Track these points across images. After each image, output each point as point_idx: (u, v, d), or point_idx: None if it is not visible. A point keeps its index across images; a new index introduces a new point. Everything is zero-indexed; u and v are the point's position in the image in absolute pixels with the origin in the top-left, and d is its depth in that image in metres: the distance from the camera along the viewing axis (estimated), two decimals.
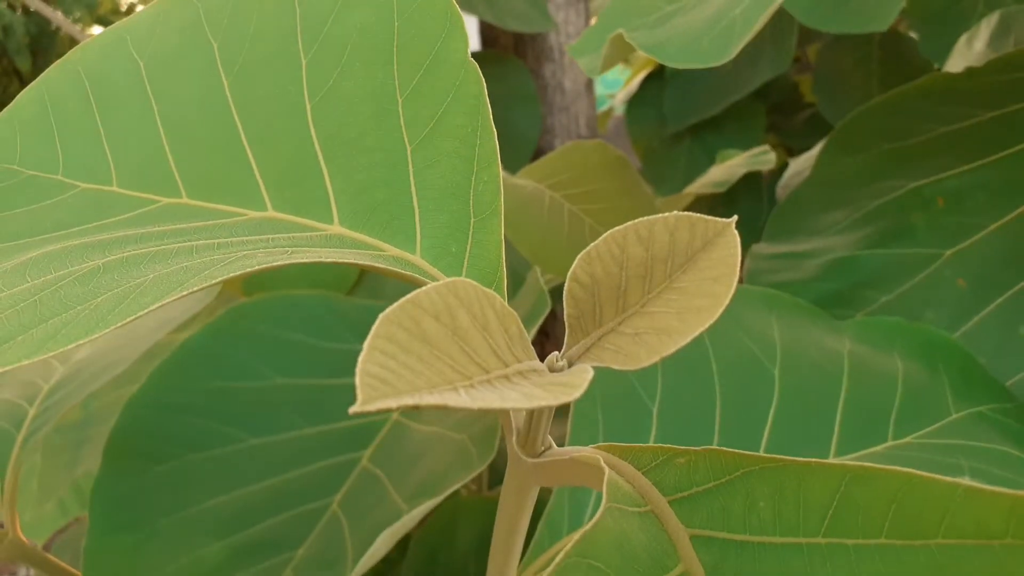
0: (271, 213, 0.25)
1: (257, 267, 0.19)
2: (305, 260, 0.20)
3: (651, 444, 0.17)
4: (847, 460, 0.37)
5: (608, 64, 0.53)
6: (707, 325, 0.15)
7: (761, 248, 0.55)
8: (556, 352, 0.18)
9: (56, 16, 0.93)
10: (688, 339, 0.15)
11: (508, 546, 0.24)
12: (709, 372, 0.40)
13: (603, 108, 1.96)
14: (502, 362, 0.15)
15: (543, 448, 0.21)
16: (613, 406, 0.39)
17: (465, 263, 0.23)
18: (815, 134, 1.22)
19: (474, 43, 1.34)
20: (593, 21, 1.38)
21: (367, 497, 0.44)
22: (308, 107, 0.26)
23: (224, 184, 0.26)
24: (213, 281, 0.18)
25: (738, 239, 0.17)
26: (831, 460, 0.16)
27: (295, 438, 0.46)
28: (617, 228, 0.18)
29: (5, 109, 0.30)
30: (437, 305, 0.14)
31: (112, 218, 0.26)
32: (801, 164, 0.82)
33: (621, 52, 0.51)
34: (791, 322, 0.43)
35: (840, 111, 1.16)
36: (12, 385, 0.50)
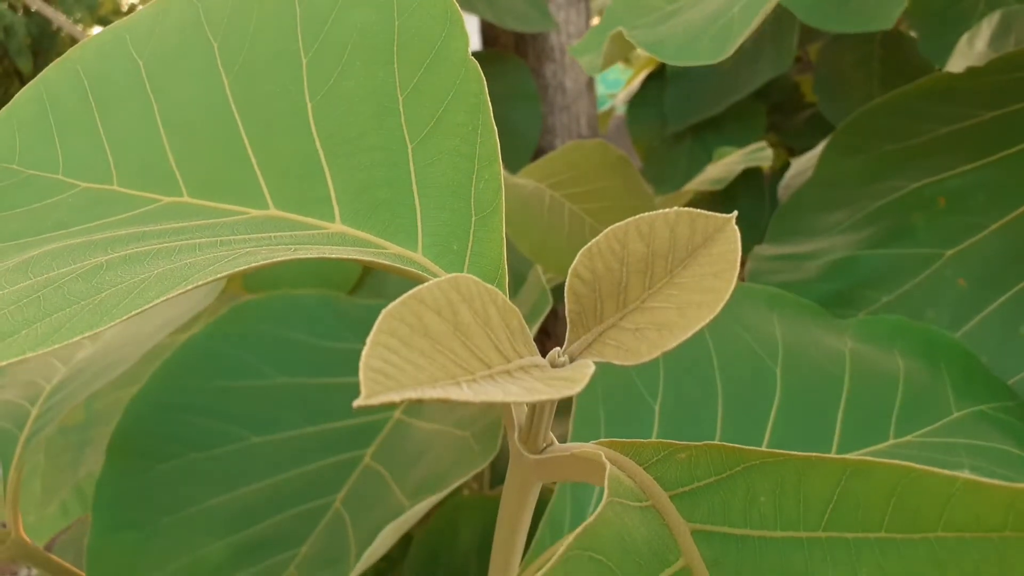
0: (273, 212, 0.25)
1: (261, 263, 0.19)
2: (309, 256, 0.21)
3: (653, 440, 0.17)
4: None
5: (608, 61, 0.53)
6: (707, 320, 0.15)
7: (763, 249, 0.55)
8: (558, 348, 0.18)
9: (57, 17, 0.93)
10: (688, 334, 0.15)
11: (510, 543, 0.24)
12: (711, 370, 0.40)
13: (604, 108, 1.96)
14: (504, 357, 0.15)
15: (545, 444, 0.21)
16: (615, 403, 0.39)
17: (467, 260, 0.23)
18: (816, 134, 1.22)
19: (475, 42, 1.34)
20: (594, 21, 1.38)
21: (370, 495, 0.44)
22: (309, 106, 0.26)
23: (225, 183, 0.26)
24: (217, 276, 0.19)
25: (738, 235, 0.17)
26: (831, 455, 0.16)
27: (297, 437, 0.46)
28: (618, 224, 0.18)
29: (3, 108, 0.30)
30: (439, 301, 0.14)
31: (113, 217, 0.26)
32: (803, 164, 0.82)
33: (621, 50, 0.52)
34: (793, 321, 0.43)
35: (841, 111, 1.16)
36: (14, 385, 0.50)
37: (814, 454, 0.16)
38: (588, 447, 0.19)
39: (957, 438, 0.39)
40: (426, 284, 0.15)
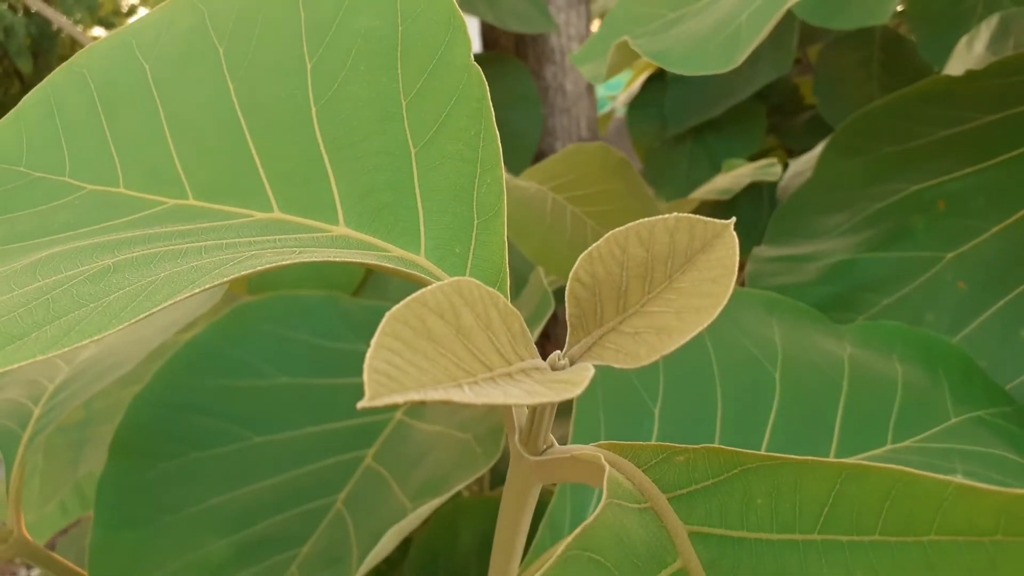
0: (277, 214, 0.26)
1: (267, 266, 0.20)
2: (313, 259, 0.21)
3: (651, 443, 0.18)
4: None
5: (613, 71, 0.53)
6: (705, 324, 0.16)
7: (762, 251, 0.55)
8: (558, 351, 0.18)
9: (58, 18, 0.93)
10: (687, 338, 0.16)
11: (510, 544, 0.25)
12: (710, 374, 0.40)
13: (604, 110, 1.96)
14: (505, 360, 0.15)
15: (545, 446, 0.21)
16: (615, 407, 0.39)
17: (469, 264, 0.23)
18: (816, 136, 1.23)
19: (475, 44, 1.34)
20: (595, 23, 1.38)
21: (371, 495, 0.44)
22: (313, 110, 0.26)
23: (230, 186, 0.26)
24: (224, 279, 0.19)
25: (736, 241, 0.17)
26: (827, 459, 0.16)
27: (299, 437, 0.47)
28: (618, 229, 0.18)
29: (10, 112, 0.30)
30: (442, 304, 0.15)
31: (119, 219, 0.26)
32: (801, 165, 0.82)
33: (626, 59, 0.52)
34: (792, 325, 0.44)
35: (841, 113, 1.16)
36: (17, 384, 0.50)
37: (810, 458, 0.16)
38: (588, 449, 0.19)
39: (955, 443, 0.39)
40: (429, 288, 0.15)
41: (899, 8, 1.07)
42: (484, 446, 0.43)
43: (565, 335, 0.19)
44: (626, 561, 0.16)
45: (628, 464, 0.18)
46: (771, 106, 1.37)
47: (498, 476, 0.67)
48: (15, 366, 0.17)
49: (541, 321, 0.47)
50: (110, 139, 0.28)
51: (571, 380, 0.15)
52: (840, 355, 0.42)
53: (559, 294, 0.64)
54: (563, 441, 0.23)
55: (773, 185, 1.04)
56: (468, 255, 0.23)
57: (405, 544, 0.61)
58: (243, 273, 0.19)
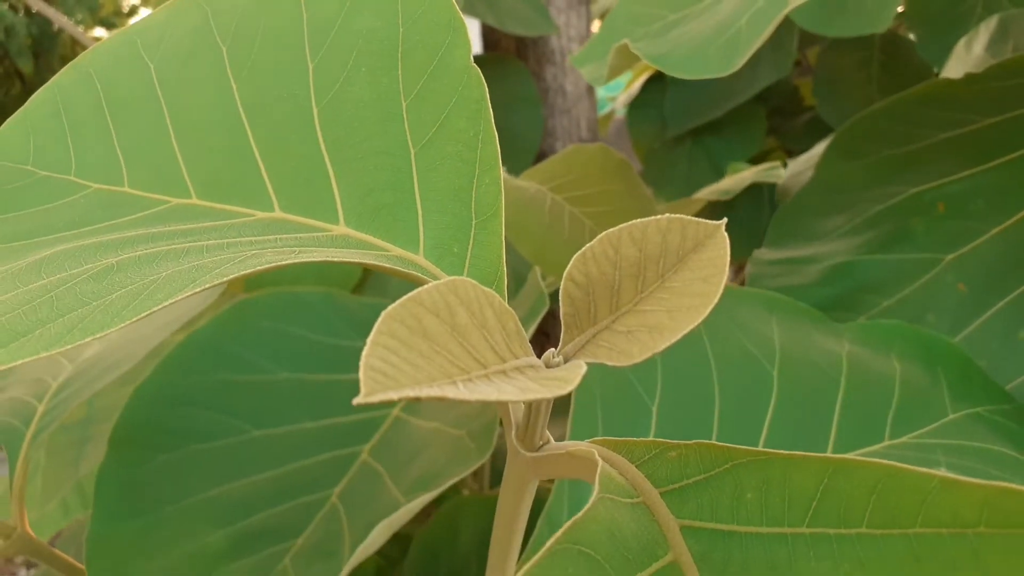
0: (279, 214, 0.26)
1: (268, 265, 0.20)
2: (313, 259, 0.21)
3: (645, 439, 0.18)
4: None
5: (614, 73, 0.53)
6: (696, 323, 0.16)
7: (762, 253, 0.56)
8: (552, 349, 0.18)
9: (59, 18, 0.93)
10: (678, 336, 0.16)
11: (507, 540, 0.25)
12: (708, 372, 0.41)
13: (604, 111, 1.96)
14: (500, 358, 0.16)
15: (541, 443, 0.21)
16: (613, 405, 0.40)
17: (467, 263, 0.23)
18: (815, 137, 1.23)
19: (476, 46, 1.35)
20: (595, 24, 1.38)
21: (366, 490, 0.45)
22: (315, 111, 0.27)
23: (233, 185, 0.27)
24: (225, 279, 0.19)
25: (727, 241, 0.17)
26: (816, 454, 0.16)
27: (297, 431, 0.47)
28: (612, 229, 0.18)
29: (18, 111, 0.31)
30: (437, 303, 0.15)
31: (124, 218, 0.27)
32: (800, 165, 0.82)
33: (626, 61, 0.52)
34: (791, 324, 0.44)
35: (840, 114, 1.16)
36: (21, 383, 0.51)
37: (799, 453, 0.16)
38: (582, 445, 0.19)
39: (952, 439, 0.39)
40: (425, 287, 0.15)
41: (899, 9, 1.07)
42: (477, 441, 0.43)
43: None
44: (617, 554, 0.16)
45: (621, 459, 0.18)
46: (771, 107, 1.37)
47: (497, 475, 0.67)
48: (19, 362, 0.17)
49: (536, 319, 0.47)
50: (115, 138, 0.28)
51: (564, 377, 0.15)
52: (839, 353, 0.42)
53: (556, 294, 0.64)
54: (562, 440, 0.23)
55: (773, 186, 1.04)
56: (466, 255, 0.23)
57: (405, 543, 0.62)
58: (244, 272, 0.20)
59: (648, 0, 0.57)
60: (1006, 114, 0.53)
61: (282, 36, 0.28)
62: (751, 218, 1.09)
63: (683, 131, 1.34)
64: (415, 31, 0.26)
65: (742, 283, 0.55)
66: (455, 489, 0.68)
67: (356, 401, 0.12)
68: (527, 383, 0.15)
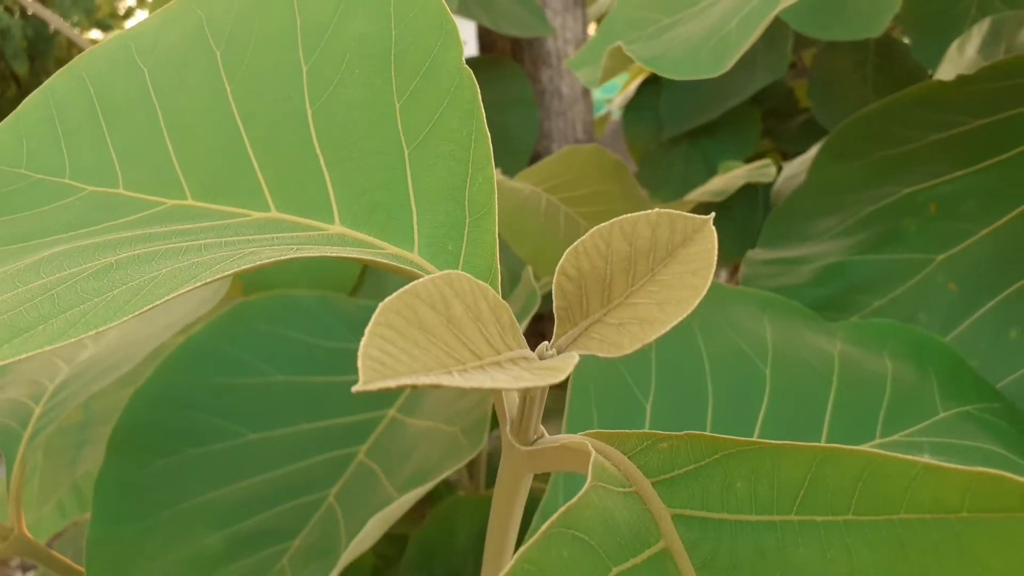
0: (274, 214, 0.26)
1: (265, 261, 0.20)
2: (311, 255, 0.21)
3: (637, 431, 0.18)
4: None
5: (608, 75, 0.54)
6: (685, 315, 0.16)
7: (756, 254, 0.56)
8: (546, 342, 0.19)
9: (55, 20, 0.93)
10: (668, 328, 0.16)
11: (503, 534, 0.25)
12: (702, 370, 0.41)
13: (600, 113, 1.97)
14: (494, 349, 0.16)
15: (535, 436, 0.22)
16: (608, 403, 0.40)
17: (461, 260, 0.24)
18: (810, 139, 1.23)
19: (472, 48, 1.35)
20: (591, 27, 1.39)
21: (363, 490, 0.45)
22: (309, 112, 0.27)
23: (228, 186, 0.27)
24: (223, 274, 0.19)
25: (715, 235, 0.18)
26: (804, 443, 0.17)
27: (294, 433, 0.47)
28: (603, 224, 0.19)
29: (11, 115, 0.31)
30: (433, 295, 0.15)
31: (120, 219, 0.27)
32: (795, 168, 0.82)
33: (620, 64, 0.52)
34: (783, 323, 0.44)
35: (835, 116, 1.17)
36: (18, 384, 0.51)
37: (787, 442, 0.17)
38: (576, 438, 0.19)
39: (942, 438, 0.39)
40: (421, 280, 0.16)
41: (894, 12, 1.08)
42: (469, 437, 0.44)
43: None
44: (610, 540, 0.16)
45: (614, 451, 0.18)
46: (766, 109, 1.38)
47: (493, 476, 0.68)
48: (24, 356, 0.18)
49: (527, 316, 0.48)
50: (109, 141, 0.29)
51: (555, 367, 0.15)
52: (831, 352, 0.42)
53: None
54: None
55: (768, 187, 1.05)
56: (460, 252, 0.24)
57: (402, 543, 0.62)
58: (243, 268, 0.20)
59: (644, 4, 0.58)
60: (997, 115, 0.54)
61: (276, 40, 0.28)
62: (746, 219, 1.09)
63: (679, 133, 1.34)
64: (407, 34, 0.26)
65: (735, 283, 0.56)
66: (451, 488, 0.68)
67: (355, 389, 0.13)
68: (521, 373, 0.15)
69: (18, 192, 0.29)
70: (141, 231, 0.26)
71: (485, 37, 1.31)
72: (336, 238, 0.25)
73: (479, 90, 0.25)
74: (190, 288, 0.19)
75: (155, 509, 0.44)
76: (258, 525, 0.44)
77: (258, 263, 0.20)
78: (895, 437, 0.40)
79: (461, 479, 0.69)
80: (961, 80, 0.56)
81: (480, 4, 1.10)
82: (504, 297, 0.21)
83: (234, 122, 0.28)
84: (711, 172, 1.29)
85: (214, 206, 0.27)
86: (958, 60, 0.71)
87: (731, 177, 1.06)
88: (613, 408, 0.39)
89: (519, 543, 0.30)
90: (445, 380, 0.14)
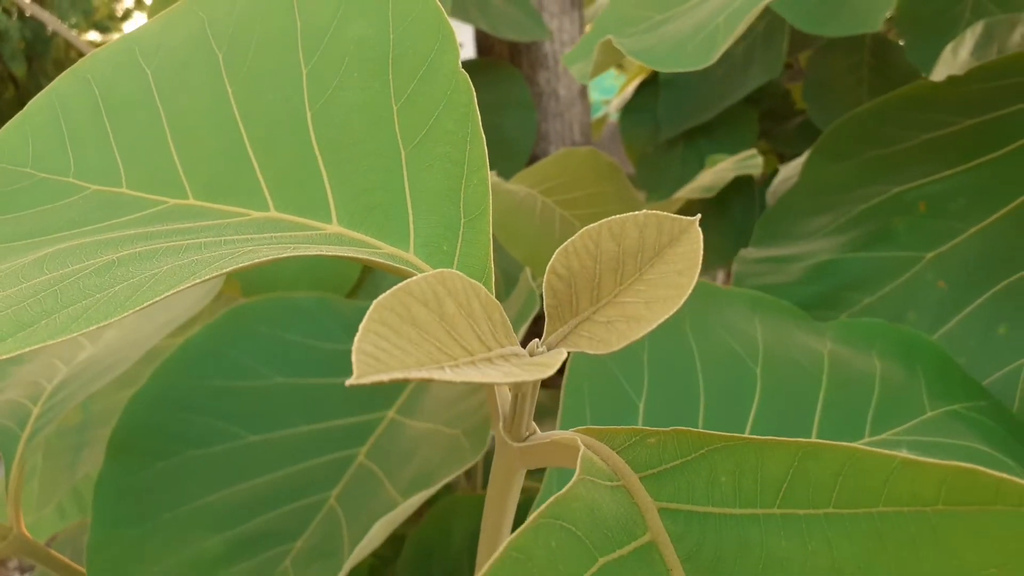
0: (273, 213, 0.27)
1: (264, 259, 0.21)
2: (308, 253, 0.22)
3: (625, 427, 0.19)
4: None
5: (598, 69, 0.54)
6: (671, 313, 0.17)
7: (748, 253, 0.57)
8: (536, 339, 0.19)
9: (53, 21, 0.94)
10: (655, 325, 0.17)
11: (497, 530, 0.26)
12: (693, 370, 0.41)
13: (598, 115, 1.97)
14: (485, 346, 0.17)
15: (528, 433, 0.22)
16: (601, 403, 0.40)
17: (456, 260, 0.24)
18: (806, 140, 1.24)
19: (470, 51, 1.36)
20: (587, 29, 1.39)
21: (364, 491, 0.45)
22: (308, 114, 0.27)
23: (229, 186, 0.28)
24: (223, 272, 0.20)
25: (700, 236, 0.18)
26: (787, 439, 0.17)
27: (293, 435, 0.47)
28: (592, 225, 0.19)
29: (17, 115, 0.31)
30: (426, 293, 0.16)
31: (122, 218, 0.27)
32: (790, 170, 0.83)
33: (610, 58, 0.53)
34: (774, 323, 0.45)
35: (830, 118, 1.17)
36: (16, 385, 0.51)
37: (771, 438, 0.17)
38: (566, 434, 0.20)
39: (929, 436, 0.40)
40: (414, 278, 0.16)
41: (888, 14, 1.08)
42: (471, 439, 0.44)
43: None
44: (597, 531, 0.17)
45: (603, 446, 0.19)
46: (762, 111, 1.38)
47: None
48: (27, 349, 0.18)
49: (527, 318, 0.48)
50: (113, 141, 0.29)
51: (544, 363, 0.16)
52: (820, 351, 0.43)
53: None
54: None
55: (764, 187, 1.05)
56: (455, 252, 0.24)
57: (399, 542, 0.62)
58: (241, 266, 0.20)
59: (637, 2, 0.58)
60: (986, 115, 0.54)
61: (277, 42, 0.29)
62: (745, 220, 1.10)
63: (676, 134, 1.35)
64: (405, 37, 0.26)
65: (727, 282, 0.56)
66: (448, 489, 0.68)
67: (349, 382, 0.13)
68: (511, 368, 0.16)
69: (23, 191, 0.29)
70: (143, 229, 0.26)
71: (483, 40, 1.31)
72: (334, 237, 0.25)
73: (475, 93, 0.25)
74: (190, 285, 0.19)
75: (155, 512, 0.44)
76: (259, 527, 0.44)
77: (256, 261, 0.21)
78: (884, 436, 0.40)
79: (458, 479, 0.69)
80: (952, 81, 0.56)
81: (477, 8, 1.11)
82: (499, 297, 0.21)
83: (235, 123, 0.28)
84: None
85: (215, 205, 0.28)
86: (952, 62, 0.72)
87: (719, 171, 1.07)
88: (606, 407, 0.40)
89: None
90: (437, 374, 0.14)
